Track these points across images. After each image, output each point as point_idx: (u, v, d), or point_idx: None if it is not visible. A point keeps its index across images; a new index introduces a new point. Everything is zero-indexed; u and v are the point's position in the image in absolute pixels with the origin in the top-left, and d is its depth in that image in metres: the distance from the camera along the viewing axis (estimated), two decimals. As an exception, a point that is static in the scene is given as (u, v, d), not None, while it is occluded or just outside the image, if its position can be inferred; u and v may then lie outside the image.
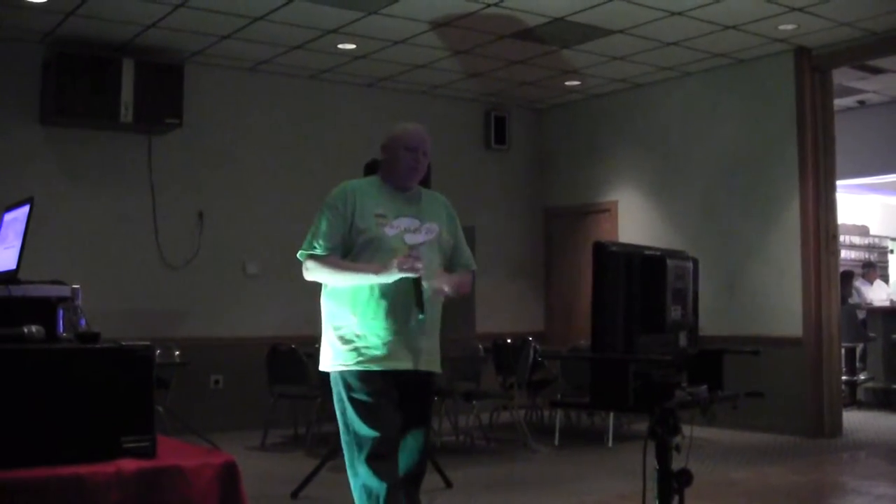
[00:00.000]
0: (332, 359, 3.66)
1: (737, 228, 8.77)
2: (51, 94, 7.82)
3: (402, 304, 3.58)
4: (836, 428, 8.24)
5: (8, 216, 3.42)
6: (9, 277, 3.03)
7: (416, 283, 3.52)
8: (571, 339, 9.37)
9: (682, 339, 3.16)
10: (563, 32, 7.86)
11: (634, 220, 9.74)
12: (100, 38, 7.81)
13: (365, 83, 9.57)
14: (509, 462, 7.32)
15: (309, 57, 8.59)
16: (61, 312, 2.89)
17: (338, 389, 3.65)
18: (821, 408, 8.12)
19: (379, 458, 3.53)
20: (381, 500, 3.50)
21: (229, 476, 2.67)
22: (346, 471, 3.68)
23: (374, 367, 3.57)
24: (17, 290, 2.93)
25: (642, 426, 3.61)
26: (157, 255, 8.51)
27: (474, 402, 7.84)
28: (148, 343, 2.70)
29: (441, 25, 7.71)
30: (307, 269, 3.65)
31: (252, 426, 7.94)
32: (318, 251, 3.61)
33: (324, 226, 3.63)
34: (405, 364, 3.61)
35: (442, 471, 6.14)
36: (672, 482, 2.96)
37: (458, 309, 9.97)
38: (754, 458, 7.19)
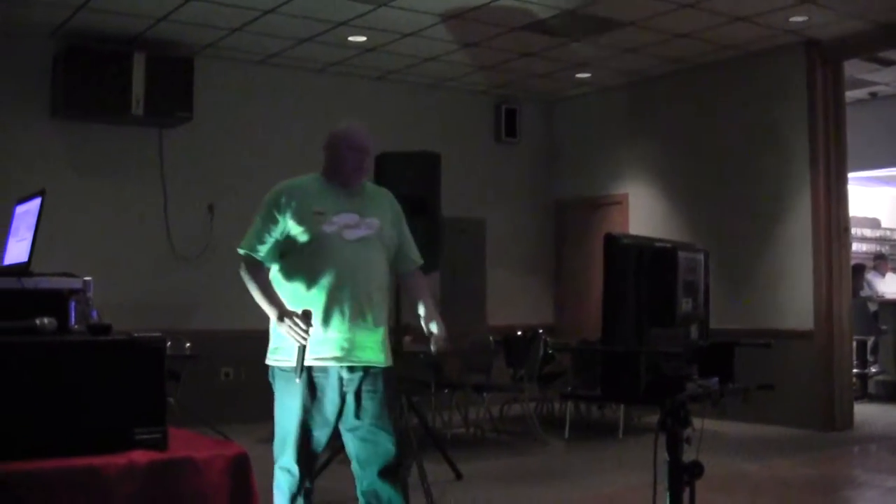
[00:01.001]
0: (271, 352, 3.69)
1: (748, 221, 8.74)
2: (61, 87, 7.84)
3: (343, 299, 3.56)
4: (847, 421, 8.22)
5: (20, 209, 3.43)
6: (21, 270, 3.04)
7: (301, 349, 3.48)
8: (582, 331, 9.35)
9: (693, 332, 3.16)
10: (574, 25, 7.84)
11: (645, 213, 9.71)
12: (110, 32, 7.82)
13: (375, 76, 9.56)
14: (520, 454, 7.32)
15: (319, 49, 8.59)
16: (73, 304, 2.89)
17: (274, 382, 3.67)
18: (832, 401, 8.09)
19: (285, 467, 3.59)
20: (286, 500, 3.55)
21: (241, 468, 2.68)
22: (352, 464, 3.71)
23: (313, 364, 3.54)
24: (29, 283, 2.94)
25: (653, 419, 3.60)
26: (167, 248, 8.53)
27: (485, 394, 7.84)
28: (159, 335, 2.70)
29: (451, 18, 7.70)
30: (240, 266, 3.68)
31: (263, 418, 7.89)
32: (251, 251, 3.65)
33: (258, 223, 3.68)
34: (348, 360, 3.57)
35: (452, 463, 6.13)
36: (683, 475, 2.96)
37: (469, 302, 10.03)
38: (765, 451, 7.18)
